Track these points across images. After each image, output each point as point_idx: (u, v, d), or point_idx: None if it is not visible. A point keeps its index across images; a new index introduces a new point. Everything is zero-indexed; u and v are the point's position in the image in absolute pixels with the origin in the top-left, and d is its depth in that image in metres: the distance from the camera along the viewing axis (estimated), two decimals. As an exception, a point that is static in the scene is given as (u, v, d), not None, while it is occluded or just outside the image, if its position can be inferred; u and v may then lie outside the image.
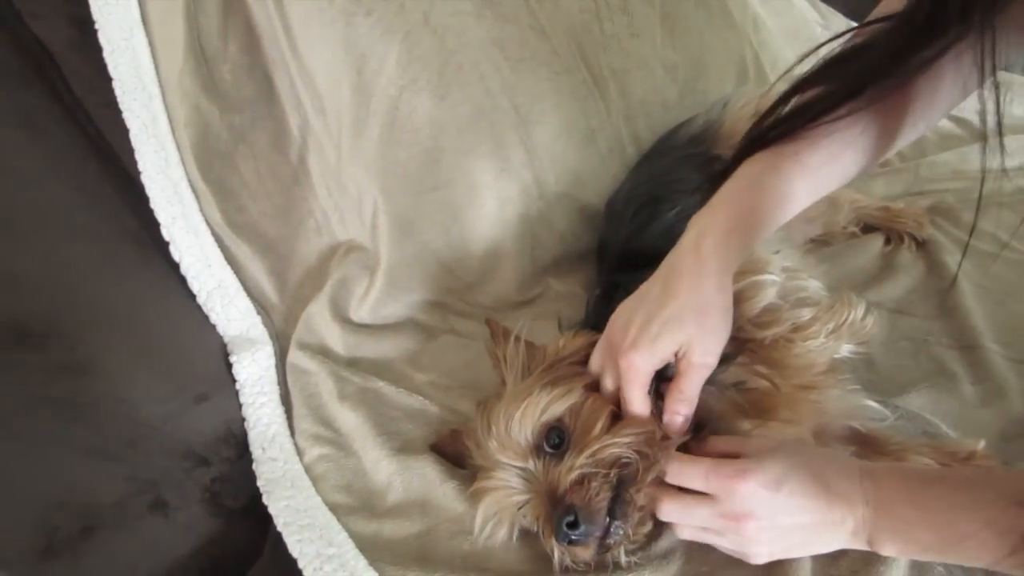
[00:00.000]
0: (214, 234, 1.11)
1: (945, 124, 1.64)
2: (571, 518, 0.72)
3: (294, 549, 0.82)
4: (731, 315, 0.78)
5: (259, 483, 0.91)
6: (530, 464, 0.77)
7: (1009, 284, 1.11)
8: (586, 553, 0.75)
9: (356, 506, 0.89)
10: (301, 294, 1.14)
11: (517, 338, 0.88)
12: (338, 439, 0.96)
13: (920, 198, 1.38)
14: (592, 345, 0.85)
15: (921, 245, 1.25)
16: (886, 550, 0.65)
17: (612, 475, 0.74)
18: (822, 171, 0.79)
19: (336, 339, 1.07)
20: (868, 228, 1.32)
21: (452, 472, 0.89)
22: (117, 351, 0.90)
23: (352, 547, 0.82)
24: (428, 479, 0.89)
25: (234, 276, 1.10)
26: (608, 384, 0.80)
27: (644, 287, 0.79)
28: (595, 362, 0.83)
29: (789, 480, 0.66)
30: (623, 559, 0.76)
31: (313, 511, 0.87)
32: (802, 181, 0.78)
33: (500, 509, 0.79)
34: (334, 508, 0.88)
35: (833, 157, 0.78)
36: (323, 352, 1.06)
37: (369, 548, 0.83)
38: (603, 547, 0.75)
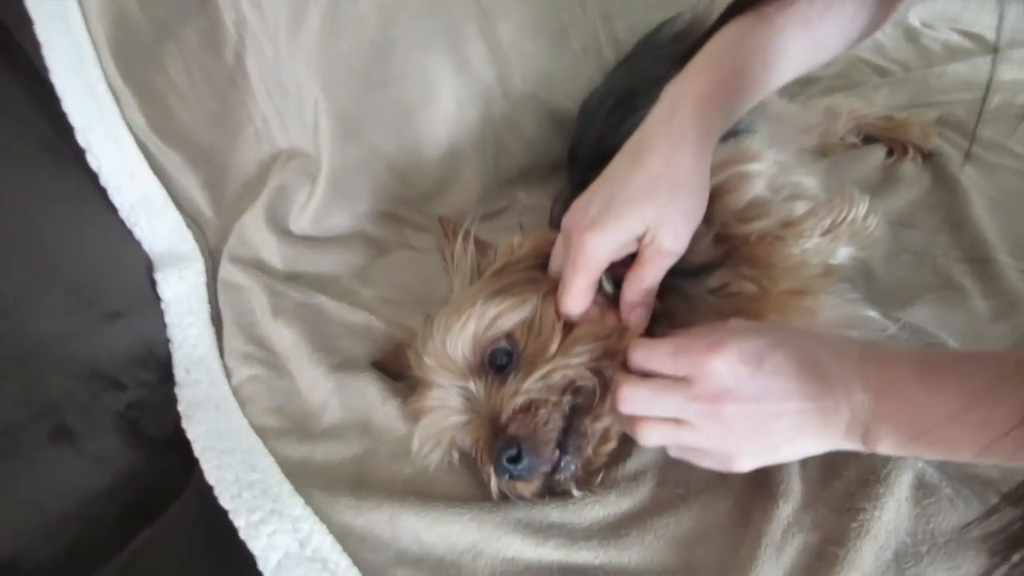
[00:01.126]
0: (138, 142, 0.99)
1: (954, 38, 1.53)
2: (512, 451, 0.61)
3: (211, 475, 0.71)
4: (707, 196, 0.67)
5: (180, 407, 0.81)
6: (470, 384, 0.66)
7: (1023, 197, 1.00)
8: (529, 488, 0.65)
9: (287, 429, 0.78)
10: (239, 208, 1.02)
11: (467, 235, 0.77)
12: (271, 358, 0.85)
13: (927, 109, 1.26)
14: (553, 244, 0.74)
15: (927, 157, 1.14)
16: (882, 446, 0.55)
17: (564, 402, 0.64)
18: (821, 25, 0.67)
19: (272, 252, 0.96)
20: (869, 139, 1.21)
21: (396, 390, 0.79)
22: (9, 265, 0.79)
23: (277, 472, 0.72)
24: (369, 398, 0.78)
25: (161, 188, 0.99)
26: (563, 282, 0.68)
27: (609, 167, 0.68)
28: (555, 262, 0.72)
29: (772, 355, 0.57)
30: (574, 491, 0.67)
31: (236, 435, 0.77)
32: (797, 35, 0.66)
33: (437, 431, 0.68)
34: (261, 432, 0.78)
35: (833, 5, 0.66)
36: (258, 266, 0.95)
37: (297, 473, 0.73)
38: (550, 482, 0.65)
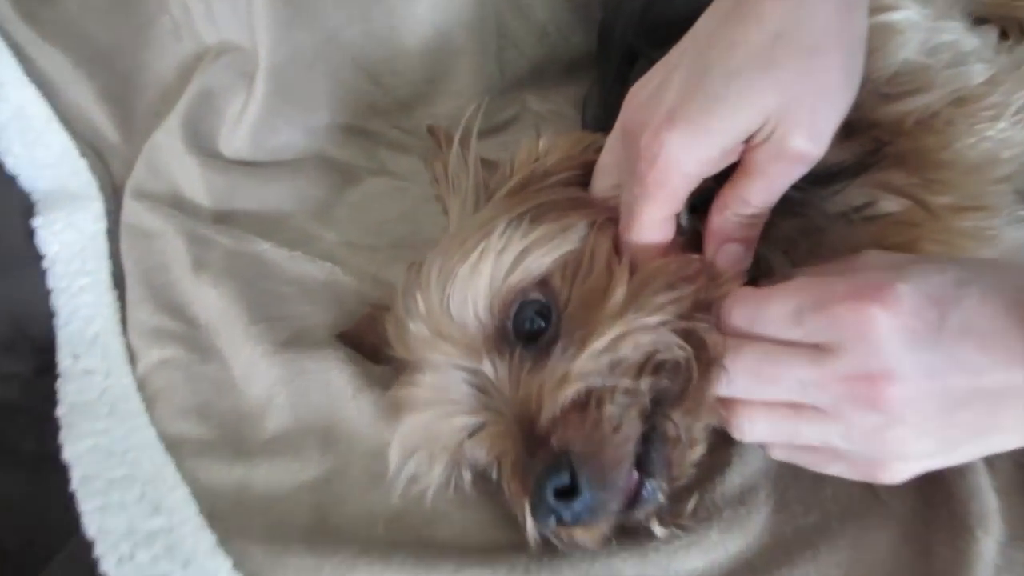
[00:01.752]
0: (7, 39, 0.72)
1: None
2: (563, 479, 0.37)
3: (91, 523, 0.47)
4: (861, 63, 0.42)
5: (59, 412, 0.55)
6: (486, 365, 0.42)
7: None
8: (591, 535, 0.41)
9: (213, 441, 0.54)
10: (153, 129, 0.75)
11: (466, 141, 0.51)
12: (191, 334, 0.60)
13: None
14: (598, 150, 0.49)
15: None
16: None
17: (643, 390, 0.40)
18: None
19: (195, 183, 0.69)
20: (978, 20, 0.95)
21: (373, 376, 0.53)
22: None
23: (193, 513, 0.47)
24: (333, 389, 0.53)
25: (43, 102, 0.73)
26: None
27: (693, 31, 0.43)
28: (603, 179, 0.48)
29: (961, 303, 0.36)
30: (656, 530, 0.43)
31: (136, 454, 0.52)
32: None
33: (430, 439, 0.44)
34: (175, 446, 0.53)
35: None
36: (174, 203, 0.68)
37: (226, 514, 0.48)
38: (624, 518, 0.41)
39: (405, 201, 0.72)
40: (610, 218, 0.45)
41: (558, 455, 0.37)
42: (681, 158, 0.39)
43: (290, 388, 0.54)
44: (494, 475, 0.44)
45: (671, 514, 0.42)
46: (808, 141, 0.40)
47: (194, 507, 0.48)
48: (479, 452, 0.43)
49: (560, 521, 0.38)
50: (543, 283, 0.43)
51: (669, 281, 0.41)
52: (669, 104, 0.40)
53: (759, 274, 0.45)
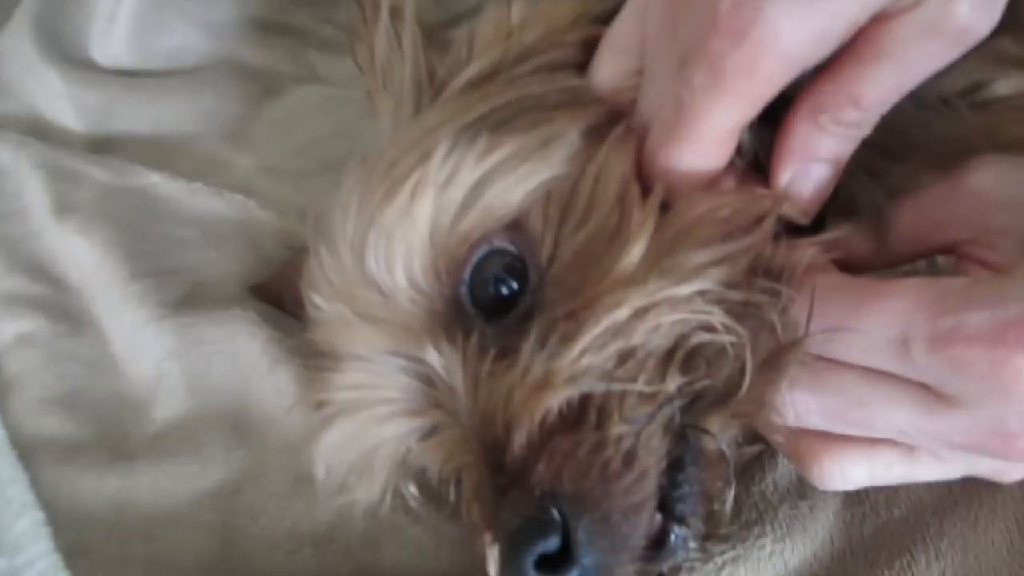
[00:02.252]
0: None
1: None
2: (551, 544, 0.24)
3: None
4: None
5: None
6: (429, 353, 0.29)
7: None
8: None
9: (83, 440, 0.40)
10: None
11: (396, 14, 0.35)
12: (57, 299, 0.46)
13: None
14: (605, 19, 0.33)
15: None
16: None
17: (671, 392, 0.26)
18: None
19: (58, 100, 0.54)
20: None
21: (295, 343, 0.40)
22: None
23: (44, 549, 0.34)
24: (242, 362, 0.40)
25: None
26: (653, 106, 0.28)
27: None
28: (616, 57, 0.31)
29: None
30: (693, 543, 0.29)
31: (-25, 464, 0.38)
32: None
33: (361, 453, 0.31)
34: (32, 450, 0.40)
35: None
36: (33, 128, 0.53)
37: (96, 542, 0.35)
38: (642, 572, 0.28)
39: (341, 114, 0.57)
40: (622, 126, 0.30)
41: (542, 502, 0.24)
42: (786, 32, 0.24)
43: (185, 363, 0.41)
44: (450, 494, 0.31)
45: (710, 533, 0.30)
46: (976, 10, 0.25)
47: (46, 541, 0.34)
48: (430, 462, 0.30)
49: None
50: (515, 227, 0.29)
51: (719, 230, 0.27)
52: None
53: (832, 211, 0.31)
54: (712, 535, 0.30)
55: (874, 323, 0.25)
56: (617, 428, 0.25)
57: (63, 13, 0.57)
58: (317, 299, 0.30)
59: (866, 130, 0.28)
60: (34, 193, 0.49)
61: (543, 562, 0.24)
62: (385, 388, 0.29)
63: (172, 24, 0.57)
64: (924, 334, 0.24)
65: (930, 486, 0.33)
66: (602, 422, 0.25)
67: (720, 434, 0.27)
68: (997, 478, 0.30)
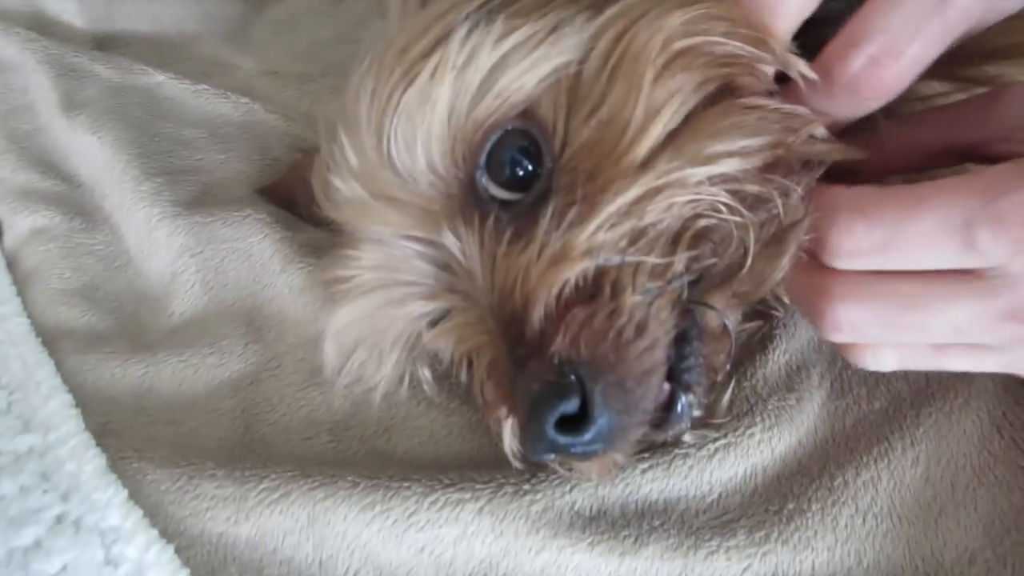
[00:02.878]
0: None
1: None
2: (570, 403, 0.25)
3: (-62, 444, 0.35)
4: None
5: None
6: (447, 236, 0.30)
7: None
8: (604, 467, 0.31)
9: (104, 330, 0.42)
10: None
11: None
12: (70, 194, 0.47)
13: None
14: None
15: None
16: None
17: (679, 269, 0.27)
18: None
19: (63, -2, 0.53)
20: None
21: (307, 242, 0.41)
22: None
23: (76, 427, 0.36)
24: (256, 261, 0.42)
25: None
26: None
27: None
28: None
29: None
30: (687, 436, 0.33)
31: (2, 349, 0.40)
32: None
33: (376, 331, 0.32)
34: (55, 339, 0.41)
35: None
36: (36, 23, 0.53)
37: (122, 425, 0.37)
38: (646, 440, 0.30)
39: (342, 17, 0.57)
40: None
41: (560, 368, 0.26)
42: None
43: (200, 260, 0.42)
44: (462, 376, 0.33)
45: (707, 415, 0.32)
46: None
47: (76, 421, 0.36)
48: (443, 346, 0.32)
49: (564, 450, 0.27)
50: (527, 114, 0.29)
51: (743, 122, 0.27)
52: None
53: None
54: (708, 423, 0.33)
55: (934, 217, 0.26)
56: (629, 300, 0.26)
57: (60, -96, 0.55)
58: (336, 180, 0.31)
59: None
60: (41, 88, 0.49)
61: (562, 423, 0.26)
62: (401, 271, 0.31)
63: (172, -82, 0.56)
64: (985, 216, 0.25)
65: (908, 379, 0.35)
66: (616, 294, 0.26)
67: (723, 311, 0.29)
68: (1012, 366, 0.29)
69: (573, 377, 0.25)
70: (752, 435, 0.34)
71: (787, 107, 0.27)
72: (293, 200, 0.44)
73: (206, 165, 0.46)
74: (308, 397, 0.38)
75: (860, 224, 0.27)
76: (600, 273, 0.27)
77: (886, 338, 0.29)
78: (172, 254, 0.42)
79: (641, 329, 0.26)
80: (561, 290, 0.27)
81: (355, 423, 0.36)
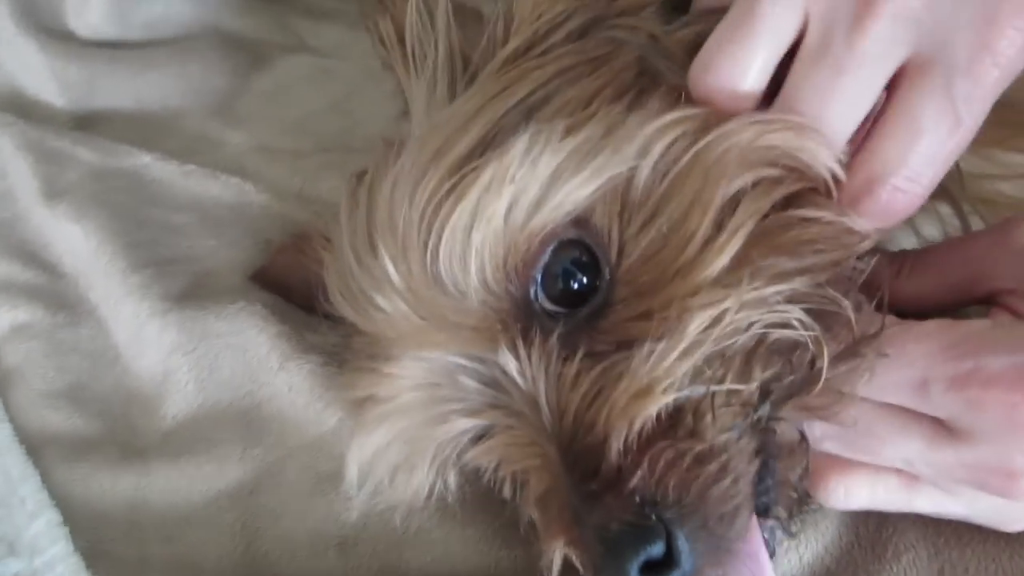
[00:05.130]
0: None
1: None
2: (658, 550, 0.24)
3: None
4: None
5: None
6: (503, 356, 0.28)
7: None
8: None
9: (92, 436, 0.40)
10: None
11: None
12: (53, 286, 0.45)
13: None
14: None
15: None
16: None
17: (755, 389, 0.26)
18: None
19: (39, 74, 0.51)
20: None
21: (305, 335, 0.39)
22: None
23: (64, 551, 0.34)
24: (252, 357, 0.40)
25: None
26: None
27: None
28: None
29: None
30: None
31: (-18, 463, 0.37)
32: None
33: (412, 453, 0.30)
34: (39, 447, 0.39)
35: None
36: (13, 104, 0.51)
37: (114, 544, 0.35)
38: None
39: (334, 86, 0.55)
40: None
41: (643, 508, 0.24)
42: None
43: (193, 358, 0.40)
44: (504, 492, 0.31)
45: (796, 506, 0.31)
46: None
47: (65, 542, 0.34)
48: (484, 463, 0.31)
49: None
50: (581, 223, 0.27)
51: (806, 248, 0.27)
52: None
53: None
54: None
55: (895, 365, 0.27)
56: (717, 435, 0.25)
57: (38, -20, 0.53)
58: (379, 299, 0.29)
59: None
60: (20, 175, 0.47)
61: (649, 569, 0.24)
62: (445, 387, 0.29)
63: (153, -9, 0.55)
64: (944, 375, 0.26)
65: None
66: (697, 425, 0.25)
67: (795, 420, 0.28)
68: (998, 527, 0.32)
69: (656, 518, 0.24)
70: (779, 544, 0.33)
71: (843, 220, 0.27)
72: (288, 285, 0.43)
73: (196, 253, 0.44)
74: (314, 507, 0.36)
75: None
76: (680, 403, 0.26)
77: (842, 453, 0.30)
78: (163, 352, 0.40)
79: (725, 466, 0.25)
80: (644, 424, 0.25)
81: (365, 536, 0.35)
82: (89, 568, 0.33)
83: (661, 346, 0.25)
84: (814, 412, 0.28)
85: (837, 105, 0.26)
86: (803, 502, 0.31)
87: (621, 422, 0.25)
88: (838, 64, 0.26)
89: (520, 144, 0.26)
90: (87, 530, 0.35)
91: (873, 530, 0.34)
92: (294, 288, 0.42)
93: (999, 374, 0.25)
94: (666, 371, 0.25)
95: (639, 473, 0.25)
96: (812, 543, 0.33)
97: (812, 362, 0.26)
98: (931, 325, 0.28)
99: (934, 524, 0.33)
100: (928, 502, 0.31)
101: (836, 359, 0.27)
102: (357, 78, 0.54)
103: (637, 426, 0.25)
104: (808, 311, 0.26)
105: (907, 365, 0.27)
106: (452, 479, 0.32)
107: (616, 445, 0.25)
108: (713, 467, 0.25)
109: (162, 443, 0.39)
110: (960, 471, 0.28)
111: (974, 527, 0.33)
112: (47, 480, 0.37)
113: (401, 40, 0.35)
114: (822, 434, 0.29)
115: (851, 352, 0.27)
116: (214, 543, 0.35)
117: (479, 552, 0.34)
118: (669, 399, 0.25)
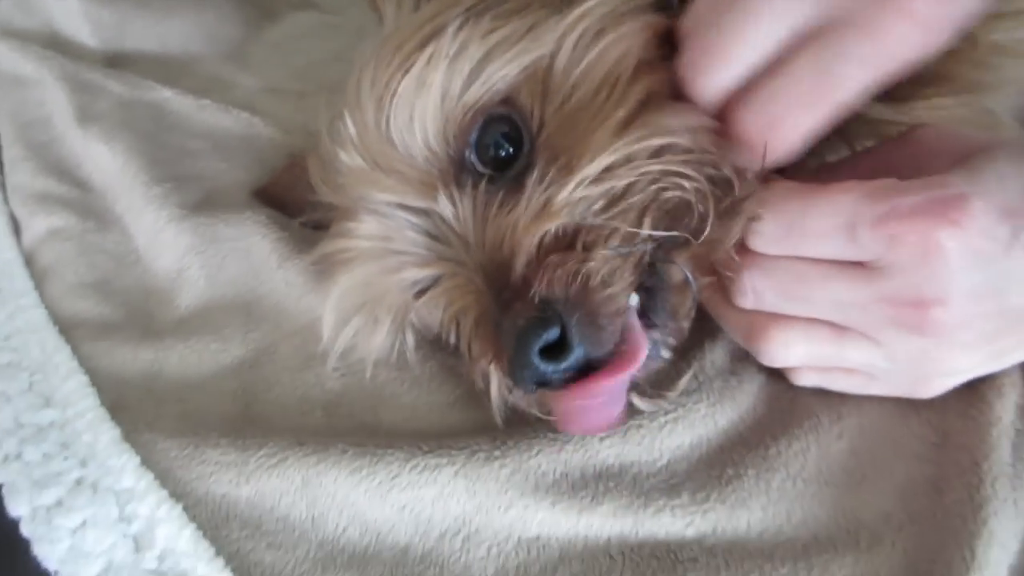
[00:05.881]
0: None
1: None
2: (552, 332, 0.29)
3: (-33, 417, 0.39)
4: None
5: (-73, 291, 0.47)
6: (442, 203, 0.34)
7: None
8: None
9: (116, 321, 0.46)
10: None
11: None
12: (83, 198, 0.51)
13: None
14: None
15: None
16: None
17: (645, 230, 0.31)
18: None
19: (75, 17, 0.58)
20: None
21: (300, 241, 0.45)
22: None
23: (93, 403, 0.40)
24: (254, 257, 0.46)
25: None
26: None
27: None
28: None
29: None
30: (639, 401, 0.36)
31: (23, 337, 0.44)
32: None
33: (372, 297, 0.37)
34: (70, 328, 0.45)
35: None
36: (51, 43, 0.57)
37: (133, 403, 0.41)
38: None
39: (337, 39, 0.62)
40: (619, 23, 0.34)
41: (542, 306, 0.30)
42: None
43: (204, 258, 0.46)
44: (451, 338, 0.37)
45: (655, 386, 0.36)
46: None
47: (92, 398, 0.40)
48: (432, 312, 0.36)
49: (545, 384, 0.31)
50: (508, 101, 0.34)
51: (688, 113, 0.32)
52: None
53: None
54: (660, 395, 0.37)
55: (825, 215, 0.31)
56: (600, 255, 0.30)
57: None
58: (343, 155, 0.35)
59: None
60: (57, 102, 0.53)
61: (545, 351, 0.30)
62: (396, 240, 0.35)
63: (178, -54, 0.61)
64: (869, 216, 0.30)
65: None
66: (589, 248, 0.31)
67: (684, 266, 0.33)
68: (913, 390, 0.36)
69: (552, 312, 0.29)
70: (699, 410, 0.38)
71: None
72: (286, 201, 0.49)
73: (209, 173, 0.51)
74: (303, 379, 0.42)
75: (773, 206, 0.32)
76: (577, 230, 0.31)
77: (781, 306, 0.34)
78: (178, 252, 0.47)
79: (608, 279, 0.30)
80: (542, 240, 0.31)
81: (346, 401, 0.40)
82: (112, 419, 0.39)
83: (560, 177, 0.31)
84: (699, 260, 0.33)
85: (728, 38, 0.30)
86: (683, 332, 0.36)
87: (525, 239, 0.31)
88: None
89: (452, 27, 0.32)
90: (110, 392, 0.41)
91: (786, 405, 0.39)
92: (290, 204, 0.48)
93: (913, 207, 0.30)
94: (562, 198, 0.31)
95: (539, 279, 0.30)
96: (728, 411, 0.38)
97: (699, 214, 0.31)
98: (850, 182, 0.32)
99: (839, 398, 0.38)
100: (857, 352, 0.35)
101: (719, 215, 0.32)
102: (357, 32, 0.60)
103: (536, 240, 0.31)
104: (696, 165, 0.31)
105: (837, 213, 0.31)
106: (410, 338, 0.38)
107: (521, 259, 0.31)
108: (598, 278, 0.30)
109: (176, 327, 0.45)
110: (879, 308, 0.32)
111: (875, 400, 0.38)
112: (76, 353, 0.43)
113: None
114: (763, 286, 0.34)
115: (731, 209, 0.32)
116: (218, 403, 0.41)
117: (440, 414, 0.40)
118: (563, 220, 0.31)
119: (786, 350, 0.35)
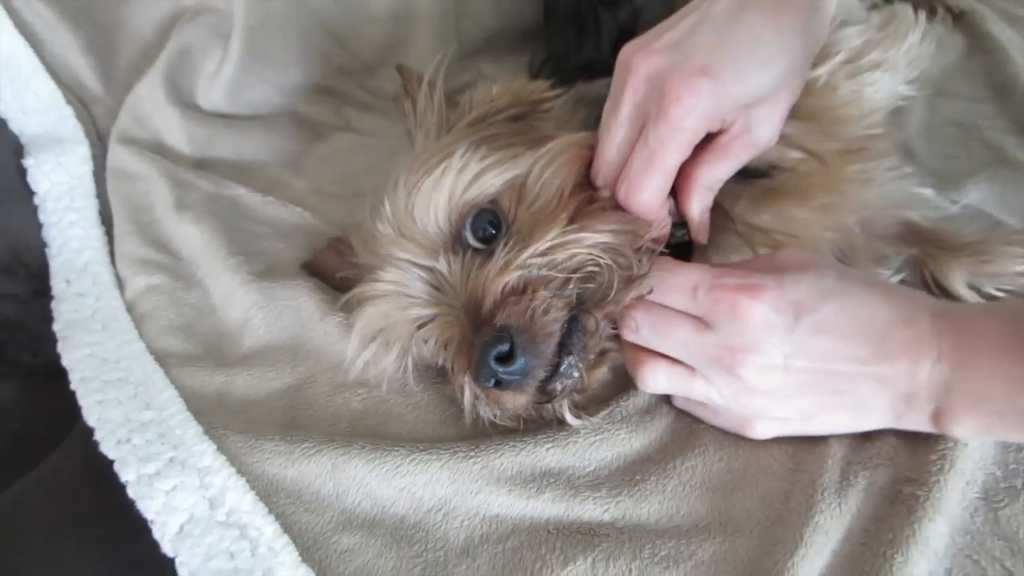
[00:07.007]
0: (-8, -11, 0.77)
1: None
2: (503, 346, 0.45)
3: (91, 414, 0.54)
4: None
5: (55, 327, 0.62)
6: (441, 263, 0.50)
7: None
8: (518, 400, 0.49)
9: (196, 354, 0.61)
10: (133, 81, 0.81)
11: (432, 84, 0.59)
12: (175, 265, 0.67)
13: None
14: (550, 96, 0.59)
15: (958, 17, 0.97)
16: (960, 427, 0.45)
17: (571, 287, 0.47)
18: None
19: (176, 131, 0.76)
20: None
21: (336, 304, 0.61)
22: None
23: (180, 408, 0.55)
24: (302, 313, 0.61)
25: (29, 50, 0.78)
26: (616, 140, 0.49)
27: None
28: (613, 123, 0.50)
29: (819, 308, 0.45)
30: (569, 416, 0.51)
31: (128, 362, 0.59)
32: None
33: (387, 326, 0.52)
34: (162, 358, 0.60)
35: None
36: (157, 149, 0.75)
37: (208, 411, 0.55)
38: (544, 395, 0.49)
39: (370, 156, 0.79)
40: (567, 150, 0.51)
41: (500, 329, 0.45)
42: (709, 105, 0.44)
43: (264, 312, 0.61)
44: (441, 362, 0.52)
45: (585, 409, 0.51)
46: (772, 131, 0.49)
47: (181, 404, 0.55)
48: (428, 341, 0.51)
49: (497, 382, 0.46)
50: (494, 201, 0.50)
51: (613, 217, 0.49)
52: (700, 61, 0.44)
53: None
54: (587, 413, 0.52)
55: (682, 277, 0.47)
56: (541, 295, 0.46)
57: (182, 72, 0.79)
58: (379, 225, 0.51)
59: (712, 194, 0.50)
60: (159, 193, 0.70)
61: (498, 359, 0.45)
62: (408, 287, 0.50)
63: (254, 84, 0.80)
64: (704, 286, 0.46)
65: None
66: (533, 291, 0.46)
67: (598, 318, 0.48)
68: (742, 433, 0.51)
69: (507, 333, 0.45)
70: (620, 434, 0.52)
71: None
72: (325, 272, 0.64)
73: (271, 251, 0.67)
74: (334, 401, 0.56)
75: (654, 270, 0.48)
76: (528, 283, 0.47)
77: (650, 342, 0.48)
78: (245, 307, 0.62)
79: (545, 312, 0.46)
80: (504, 287, 0.46)
81: (364, 417, 0.55)
82: (195, 420, 0.54)
83: (519, 250, 0.47)
84: (609, 313, 0.49)
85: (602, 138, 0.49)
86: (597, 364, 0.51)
87: (492, 287, 0.47)
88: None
89: (459, 151, 0.49)
90: (191, 404, 0.55)
91: (684, 436, 0.54)
92: (327, 274, 0.64)
93: (732, 284, 0.45)
94: (519, 261, 0.47)
95: (500, 313, 0.46)
96: (642, 437, 0.52)
97: (608, 283, 0.47)
98: (705, 266, 0.48)
99: (724, 434, 0.53)
100: (700, 386, 0.48)
101: (621, 284, 0.47)
102: (385, 152, 0.78)
103: (499, 289, 0.46)
104: (609, 254, 0.47)
105: (690, 279, 0.47)
106: (411, 364, 0.53)
107: (490, 300, 0.46)
108: (539, 314, 0.45)
109: (241, 361, 0.60)
110: (710, 350, 0.46)
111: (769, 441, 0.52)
112: (167, 375, 0.58)
113: (413, 111, 0.59)
114: (640, 323, 0.48)
115: (630, 281, 0.48)
116: (270, 415, 0.55)
117: (433, 428, 0.54)
118: (516, 275, 0.46)
119: (654, 379, 0.49)
